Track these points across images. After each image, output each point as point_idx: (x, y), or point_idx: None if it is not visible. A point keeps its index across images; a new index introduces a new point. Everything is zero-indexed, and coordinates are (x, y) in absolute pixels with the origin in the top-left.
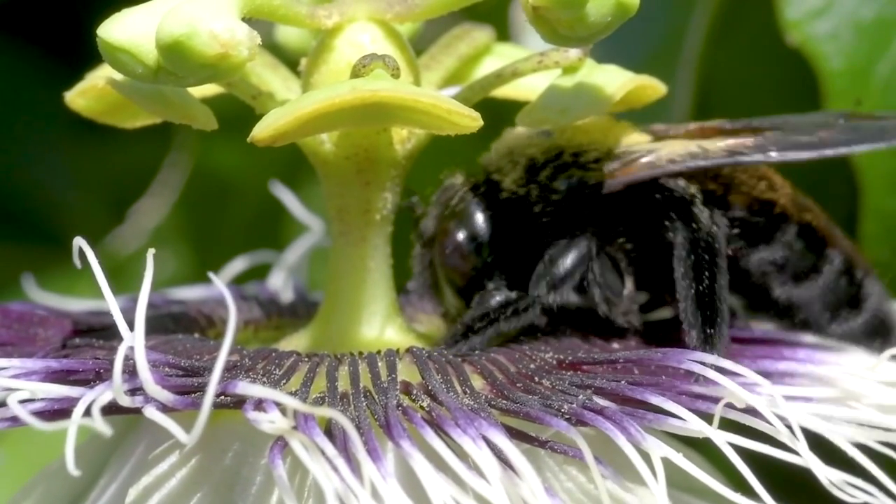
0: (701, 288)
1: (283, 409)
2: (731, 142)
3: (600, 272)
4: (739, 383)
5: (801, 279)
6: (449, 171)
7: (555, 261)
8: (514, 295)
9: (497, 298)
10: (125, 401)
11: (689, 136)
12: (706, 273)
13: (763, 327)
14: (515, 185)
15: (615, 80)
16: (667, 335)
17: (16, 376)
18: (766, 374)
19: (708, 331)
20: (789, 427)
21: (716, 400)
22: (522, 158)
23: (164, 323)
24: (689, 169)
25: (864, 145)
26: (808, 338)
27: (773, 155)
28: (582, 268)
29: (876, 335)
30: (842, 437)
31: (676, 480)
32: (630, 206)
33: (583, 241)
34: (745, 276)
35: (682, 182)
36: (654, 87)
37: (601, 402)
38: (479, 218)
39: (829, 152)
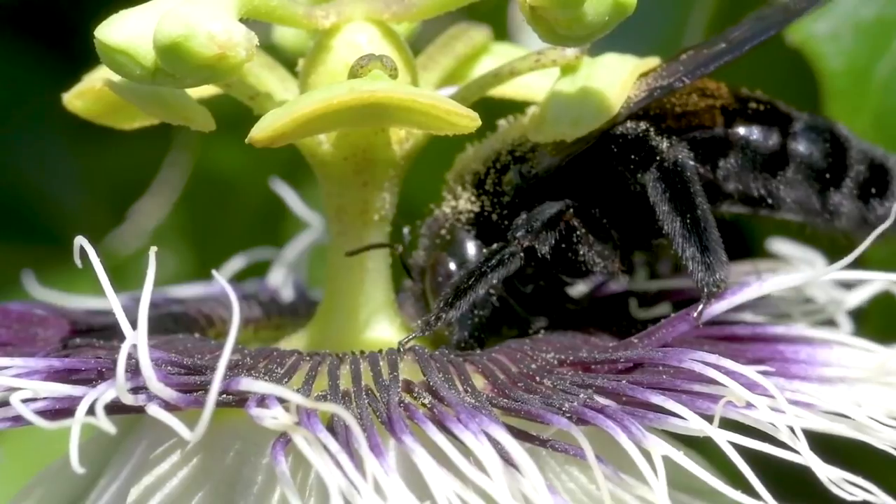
0: (687, 219)
1: (285, 406)
2: (649, 80)
3: (585, 229)
4: (740, 382)
5: (772, 169)
6: (434, 204)
7: (533, 212)
8: (495, 247)
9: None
10: (128, 399)
11: None
12: (686, 202)
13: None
14: (470, 203)
15: (619, 76)
16: (661, 324)
17: (18, 375)
18: (767, 374)
19: (707, 259)
20: (790, 426)
21: (716, 399)
22: (469, 176)
23: (164, 322)
24: (618, 120)
25: (767, 33)
26: (810, 333)
27: (685, 79)
28: (560, 220)
29: (870, 187)
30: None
31: (677, 480)
32: (589, 169)
33: (559, 201)
34: (718, 192)
35: (629, 123)
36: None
37: (602, 400)
38: (460, 247)
39: (736, 54)
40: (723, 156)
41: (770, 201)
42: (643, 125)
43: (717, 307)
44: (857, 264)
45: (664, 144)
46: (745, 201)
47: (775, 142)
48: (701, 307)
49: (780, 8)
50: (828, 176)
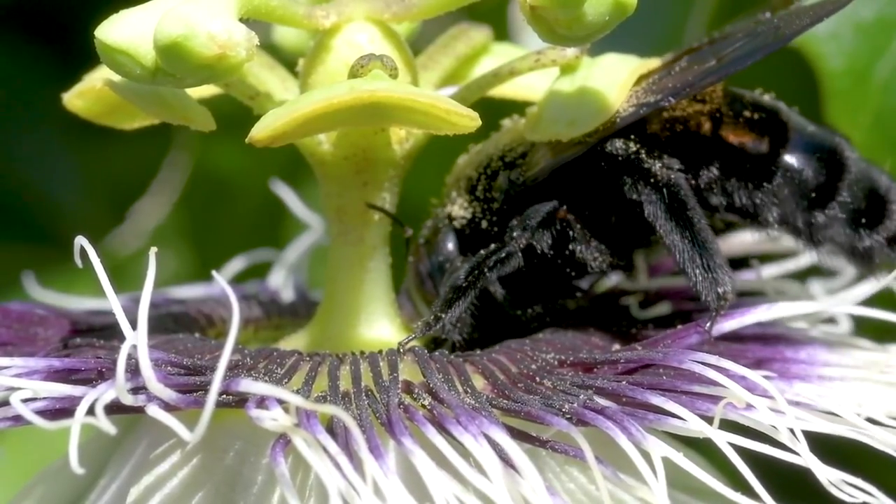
0: (687, 237)
1: (285, 408)
2: (639, 93)
3: (580, 225)
4: (740, 383)
5: (757, 180)
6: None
7: (528, 211)
8: (492, 246)
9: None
10: (128, 399)
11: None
12: (684, 221)
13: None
14: (463, 209)
15: (618, 78)
16: (667, 334)
17: (18, 375)
18: (767, 375)
19: (711, 275)
20: (790, 428)
21: (716, 400)
22: (463, 181)
23: (165, 322)
24: (606, 135)
25: (754, 56)
26: (810, 332)
27: (671, 98)
28: (555, 217)
29: (861, 216)
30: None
31: (677, 481)
32: (578, 179)
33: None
34: (703, 203)
35: (619, 142)
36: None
37: (602, 401)
38: (447, 247)
39: (723, 74)
40: (707, 164)
41: (752, 212)
42: (633, 145)
43: (727, 325)
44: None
45: (657, 165)
46: (730, 212)
47: (763, 152)
48: (710, 323)
49: (772, 28)
50: (814, 195)
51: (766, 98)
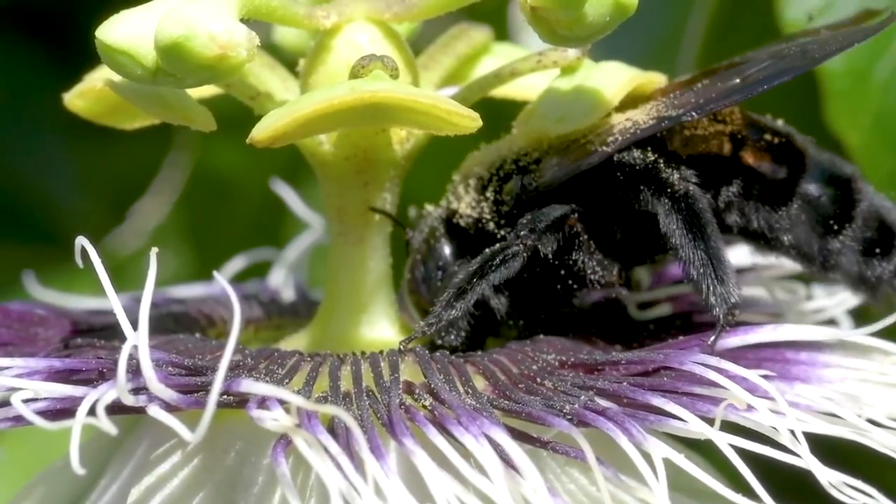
0: (700, 250)
1: (286, 408)
2: (660, 106)
3: (587, 235)
4: (741, 385)
5: (774, 204)
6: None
7: (537, 213)
8: (497, 247)
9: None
10: (129, 400)
11: (628, 107)
12: (699, 234)
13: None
14: (470, 208)
15: (614, 82)
16: (668, 335)
17: (19, 376)
18: (768, 376)
19: (721, 290)
20: (790, 429)
21: (717, 401)
22: (473, 180)
23: (165, 323)
24: (625, 145)
25: (781, 78)
26: (814, 334)
27: (694, 113)
28: (564, 223)
29: (874, 246)
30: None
31: (677, 482)
32: (592, 189)
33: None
34: (720, 223)
35: (637, 153)
36: (654, 82)
37: (603, 402)
38: (444, 251)
39: (748, 94)
40: (727, 184)
41: (769, 235)
42: (651, 155)
43: (731, 341)
44: None
45: (675, 176)
46: (744, 234)
47: (782, 177)
48: (714, 337)
49: (799, 51)
50: (831, 222)
51: (780, 124)
